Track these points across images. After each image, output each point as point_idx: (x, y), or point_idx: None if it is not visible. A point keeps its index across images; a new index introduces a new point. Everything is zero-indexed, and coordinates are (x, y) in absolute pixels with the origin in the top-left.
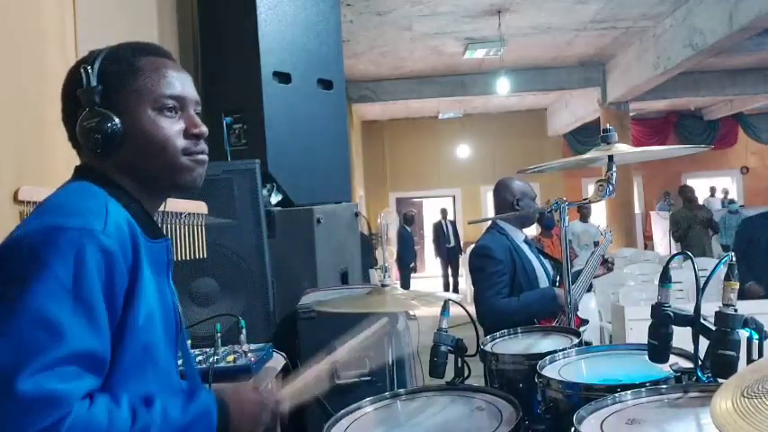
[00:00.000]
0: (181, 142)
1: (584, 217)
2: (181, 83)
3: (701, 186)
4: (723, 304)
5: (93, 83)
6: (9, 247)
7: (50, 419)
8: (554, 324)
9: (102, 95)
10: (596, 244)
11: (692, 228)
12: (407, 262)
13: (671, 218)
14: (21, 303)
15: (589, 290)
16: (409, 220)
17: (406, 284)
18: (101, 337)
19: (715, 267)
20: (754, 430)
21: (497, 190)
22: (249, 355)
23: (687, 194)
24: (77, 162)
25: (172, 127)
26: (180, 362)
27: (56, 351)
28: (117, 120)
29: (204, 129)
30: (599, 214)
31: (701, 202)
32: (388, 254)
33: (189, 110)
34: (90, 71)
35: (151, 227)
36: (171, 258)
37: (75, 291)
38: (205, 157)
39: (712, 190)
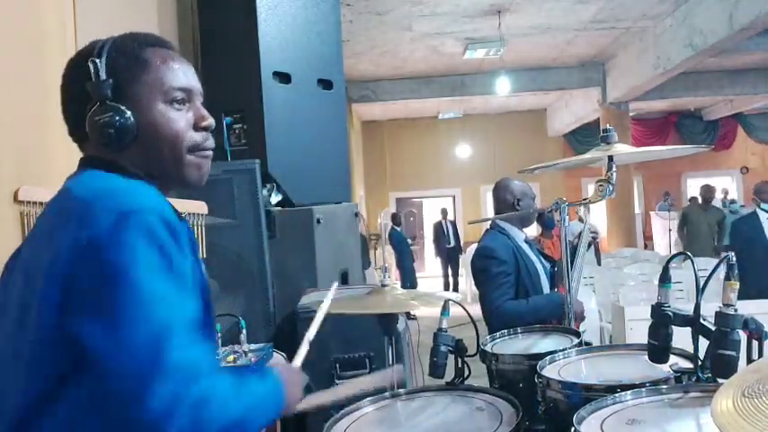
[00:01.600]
0: (191, 136)
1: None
2: (187, 74)
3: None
4: (723, 304)
5: (103, 76)
6: (88, 245)
7: (201, 386)
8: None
9: (112, 89)
10: (590, 244)
11: (701, 228)
12: (405, 263)
13: (683, 213)
14: (131, 291)
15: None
16: (398, 220)
17: (404, 286)
18: (196, 301)
19: (715, 267)
20: (754, 430)
21: (497, 190)
22: (249, 355)
23: (705, 194)
24: (77, 161)
25: (182, 120)
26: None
27: (180, 322)
28: (129, 114)
29: (212, 120)
30: (599, 214)
31: (700, 202)
32: (387, 254)
33: (196, 101)
34: (99, 64)
35: (174, 208)
36: (194, 238)
37: (167, 266)
38: (211, 153)
39: (713, 190)
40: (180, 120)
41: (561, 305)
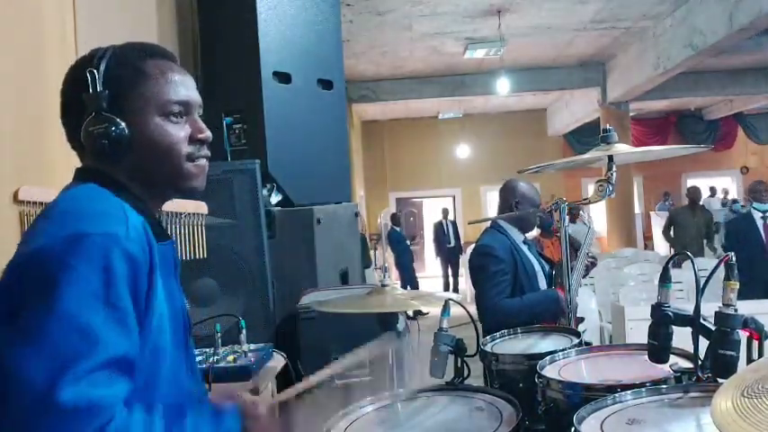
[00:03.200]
0: (186, 148)
1: (573, 217)
2: (186, 87)
3: (701, 186)
4: (723, 304)
5: (100, 87)
6: (33, 257)
7: (94, 426)
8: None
9: (108, 100)
10: (588, 269)
11: (689, 229)
12: (404, 264)
13: (668, 216)
14: (53, 312)
15: (585, 275)
16: (398, 220)
17: (403, 286)
18: (131, 340)
19: (715, 267)
20: (754, 430)
21: (501, 189)
22: (249, 355)
23: (692, 195)
24: (77, 162)
25: (178, 133)
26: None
27: (93, 358)
28: (124, 125)
29: (209, 134)
30: (599, 214)
31: (700, 202)
32: (387, 254)
33: (194, 114)
34: (96, 74)
35: (158, 228)
36: (177, 259)
37: (105, 296)
38: (206, 162)
39: (712, 190)
40: (175, 133)
41: (556, 301)
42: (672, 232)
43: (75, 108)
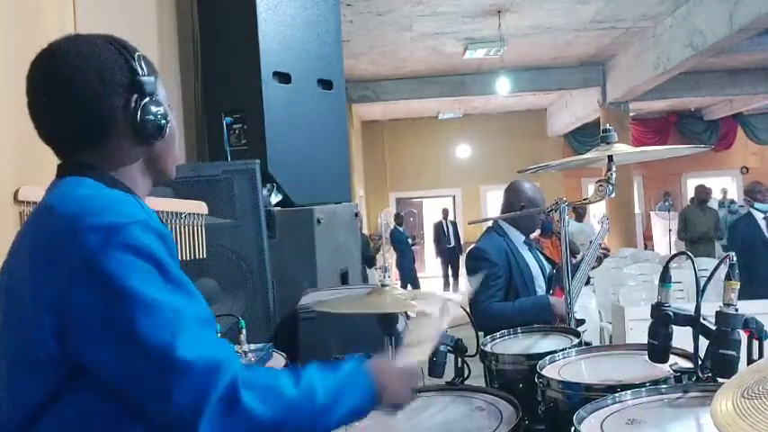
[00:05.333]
0: None
1: (579, 217)
2: None
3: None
4: (723, 304)
5: (147, 71)
6: (76, 263)
7: (225, 380)
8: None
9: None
10: (600, 259)
11: (699, 227)
12: (405, 264)
13: (681, 216)
14: (130, 306)
15: (588, 282)
16: (401, 219)
17: (403, 286)
18: (202, 302)
19: (715, 267)
20: (753, 431)
21: (506, 190)
22: (249, 355)
23: (701, 195)
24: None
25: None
26: None
27: (187, 327)
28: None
29: None
30: (599, 214)
31: (696, 203)
32: (388, 254)
33: None
34: (142, 60)
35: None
36: (176, 250)
37: (162, 276)
38: None
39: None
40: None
41: (548, 307)
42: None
43: (115, 89)
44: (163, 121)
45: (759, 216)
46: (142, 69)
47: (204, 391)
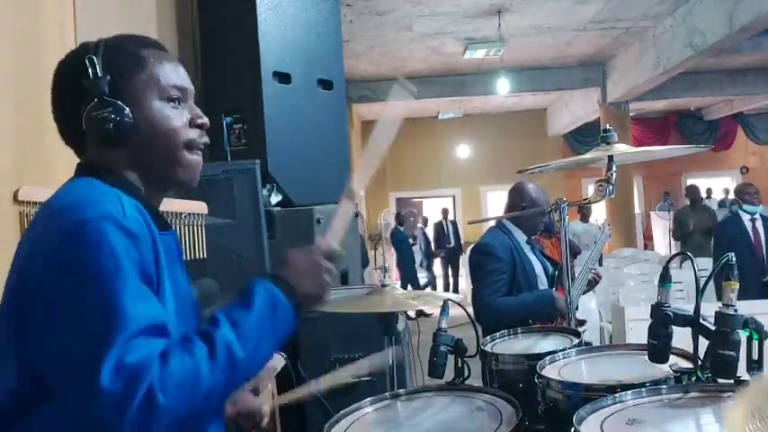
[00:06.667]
0: (186, 133)
1: (585, 217)
2: (181, 74)
3: (700, 186)
4: (723, 304)
5: (100, 72)
6: (41, 255)
7: (140, 392)
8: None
9: (109, 85)
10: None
11: (695, 230)
12: (405, 264)
13: (675, 217)
14: (78, 301)
15: (586, 291)
16: (401, 219)
17: (404, 286)
18: (154, 304)
19: (715, 267)
20: None
21: (511, 191)
22: None
23: (691, 195)
24: (77, 161)
25: (178, 117)
26: None
27: (123, 333)
28: (128, 110)
29: (207, 119)
30: (599, 214)
31: (702, 201)
32: (388, 254)
33: (190, 101)
34: (96, 60)
35: (159, 219)
36: (180, 249)
37: (119, 273)
38: (201, 158)
39: (709, 192)
40: (176, 117)
41: (551, 301)
42: (678, 232)
43: (71, 98)
44: (108, 125)
45: (746, 217)
46: (93, 70)
47: (122, 403)
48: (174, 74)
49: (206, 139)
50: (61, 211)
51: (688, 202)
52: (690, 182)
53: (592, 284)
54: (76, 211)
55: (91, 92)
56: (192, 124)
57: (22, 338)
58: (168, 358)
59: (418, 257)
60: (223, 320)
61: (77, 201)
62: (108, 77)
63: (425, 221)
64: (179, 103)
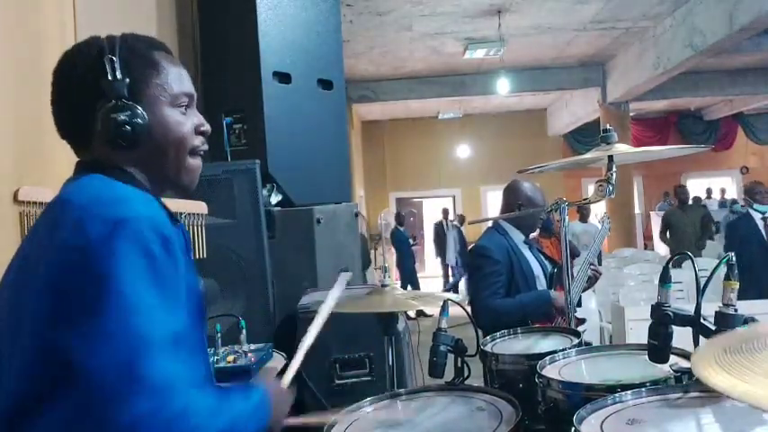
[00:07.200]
0: (192, 140)
1: (584, 217)
2: (188, 79)
3: (701, 187)
4: (723, 304)
5: (120, 75)
6: (76, 251)
7: (174, 401)
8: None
9: (128, 88)
10: (590, 281)
11: (684, 229)
12: (405, 264)
13: (662, 218)
14: (113, 301)
15: (586, 288)
16: (401, 219)
17: (404, 287)
18: (183, 315)
19: (715, 267)
20: (735, 380)
21: (505, 190)
22: (249, 355)
23: (680, 196)
24: (77, 160)
25: (187, 123)
26: None
27: (160, 336)
28: (144, 114)
29: (209, 126)
30: (599, 214)
31: (689, 201)
32: (388, 254)
33: (194, 107)
34: (115, 62)
35: (169, 213)
36: (189, 241)
37: (153, 277)
38: (201, 161)
39: (709, 192)
40: (186, 123)
41: (548, 301)
42: (668, 234)
43: (84, 95)
44: (125, 128)
45: (757, 216)
46: (113, 71)
47: (151, 412)
48: (183, 79)
49: (206, 146)
50: (90, 206)
51: (677, 204)
52: (690, 182)
53: (592, 281)
54: (113, 206)
55: (108, 93)
56: (197, 131)
57: (47, 349)
58: (205, 394)
59: (452, 256)
60: (233, 395)
61: (109, 197)
62: (127, 80)
63: (462, 219)
64: (186, 109)
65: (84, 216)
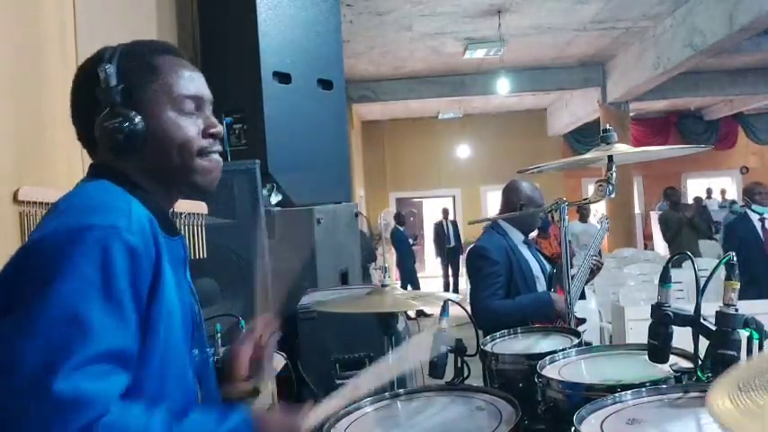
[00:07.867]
0: (199, 143)
1: (584, 217)
2: (197, 82)
3: (701, 187)
4: (723, 304)
5: (113, 82)
6: (33, 247)
7: (87, 419)
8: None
9: (122, 95)
10: (593, 272)
11: (682, 229)
12: (405, 264)
13: (659, 219)
14: (50, 302)
15: (589, 279)
16: (402, 219)
17: (404, 286)
18: (129, 334)
19: (715, 267)
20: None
21: (505, 190)
22: None
23: (669, 198)
24: (78, 162)
25: (191, 127)
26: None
27: (88, 349)
28: (139, 119)
29: (221, 128)
30: (599, 214)
31: (668, 205)
32: (388, 254)
33: (205, 110)
34: (108, 70)
35: (168, 224)
36: (187, 254)
37: (103, 288)
38: (219, 157)
39: (708, 192)
40: (189, 126)
41: (548, 303)
42: (668, 235)
43: (86, 105)
44: (118, 135)
45: (755, 217)
46: (106, 79)
47: (61, 426)
48: (190, 82)
49: (219, 147)
50: (68, 211)
51: (670, 205)
52: (690, 182)
53: (594, 272)
54: (84, 214)
55: (103, 101)
56: (205, 133)
57: None
58: (129, 409)
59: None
60: (195, 416)
61: (86, 204)
62: (120, 87)
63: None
64: (193, 112)
65: (58, 221)
